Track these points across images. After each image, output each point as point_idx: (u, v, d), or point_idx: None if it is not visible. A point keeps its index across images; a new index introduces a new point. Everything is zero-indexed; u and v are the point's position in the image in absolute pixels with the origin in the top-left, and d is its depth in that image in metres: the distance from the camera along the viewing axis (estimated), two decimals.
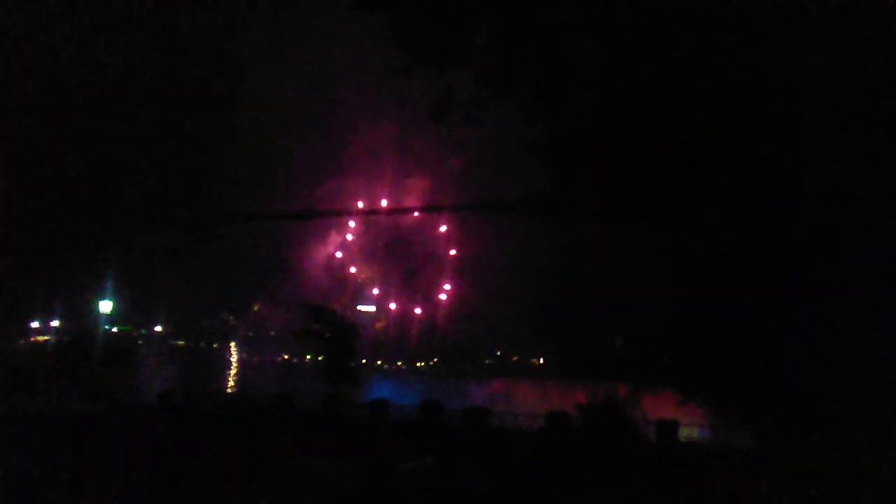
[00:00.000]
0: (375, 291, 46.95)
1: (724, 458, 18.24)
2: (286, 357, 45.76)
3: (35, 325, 44.27)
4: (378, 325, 47.85)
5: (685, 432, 23.56)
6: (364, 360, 41.35)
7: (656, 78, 12.12)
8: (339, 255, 45.72)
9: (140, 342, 45.09)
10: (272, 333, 47.89)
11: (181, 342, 48.60)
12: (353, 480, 16.05)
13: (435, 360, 46.46)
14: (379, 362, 45.02)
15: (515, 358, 44.98)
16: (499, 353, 45.69)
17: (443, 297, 45.07)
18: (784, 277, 11.63)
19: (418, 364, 46.59)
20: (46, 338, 43.48)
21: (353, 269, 46.55)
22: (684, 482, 14.88)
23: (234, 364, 45.56)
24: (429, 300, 45.79)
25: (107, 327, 38.45)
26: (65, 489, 14.51)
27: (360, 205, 40.41)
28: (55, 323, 43.48)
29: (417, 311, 47.06)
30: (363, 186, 39.44)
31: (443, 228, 41.33)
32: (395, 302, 46.89)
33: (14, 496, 13.98)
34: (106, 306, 33.66)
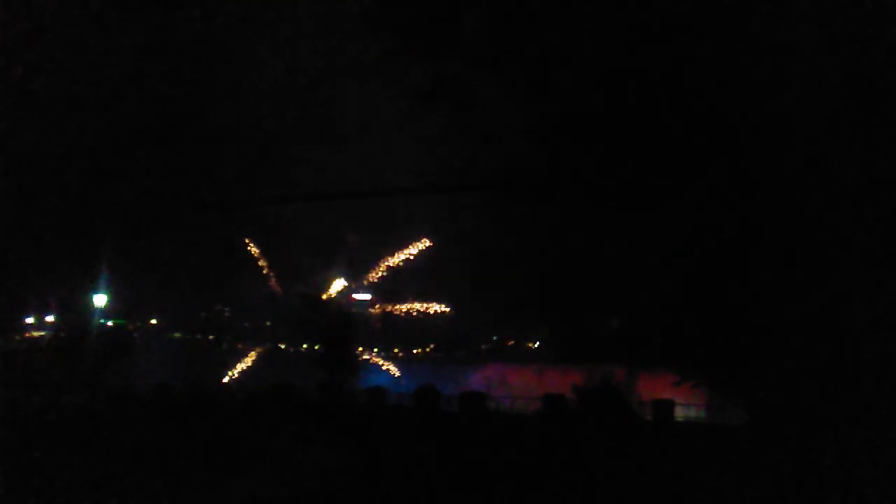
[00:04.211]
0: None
1: (719, 437, 18.36)
2: (282, 346, 45.81)
3: (30, 320, 44.19)
4: (374, 312, 47.90)
5: (681, 412, 23.74)
6: (360, 348, 41.39)
7: (647, 62, 12.09)
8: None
9: (136, 335, 45.05)
10: (268, 323, 47.91)
11: (177, 334, 48.58)
12: (351, 468, 16.11)
13: (431, 346, 46.53)
14: (375, 349, 45.08)
15: (511, 342, 45.04)
16: (495, 338, 45.75)
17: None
18: (782, 256, 11.65)
19: (415, 351, 46.66)
20: (42, 333, 43.40)
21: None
22: (681, 461, 14.97)
23: (231, 355, 45.58)
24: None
25: (102, 321, 38.36)
26: (64, 482, 14.52)
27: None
28: (50, 318, 43.39)
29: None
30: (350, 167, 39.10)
31: None
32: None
33: (14, 490, 13.99)
34: (100, 300, 33.53)
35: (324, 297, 42.08)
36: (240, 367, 44.43)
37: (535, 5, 13.11)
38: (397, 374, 42.69)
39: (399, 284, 46.62)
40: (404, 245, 45.92)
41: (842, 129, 9.48)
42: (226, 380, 42.35)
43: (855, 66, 9.00)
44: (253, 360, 44.69)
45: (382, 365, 43.89)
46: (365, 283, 46.89)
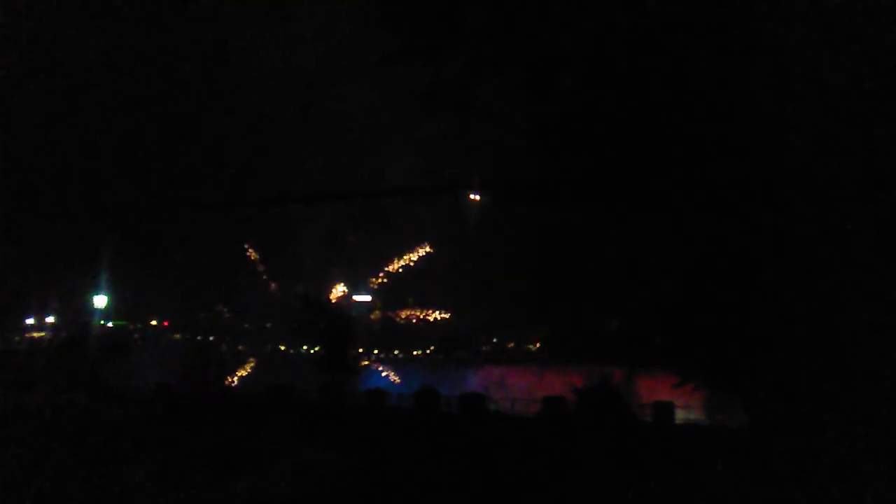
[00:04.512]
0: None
1: (719, 439, 18.35)
2: (282, 348, 45.76)
3: (30, 321, 44.19)
4: (373, 314, 47.89)
5: (681, 415, 23.71)
6: (360, 349, 41.35)
7: (648, 63, 12.10)
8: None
9: (136, 336, 45.05)
10: (268, 325, 47.85)
11: (177, 335, 48.54)
12: (351, 469, 16.10)
13: (431, 347, 46.54)
14: (375, 351, 45.03)
15: (511, 344, 45.01)
16: (494, 340, 45.73)
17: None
18: (779, 257, 11.66)
19: (415, 352, 46.64)
20: (42, 334, 43.40)
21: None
22: (681, 464, 14.96)
23: (231, 356, 45.52)
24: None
25: (102, 322, 38.38)
26: (65, 482, 14.51)
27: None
28: (50, 319, 43.40)
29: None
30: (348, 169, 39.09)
31: None
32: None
33: (14, 490, 13.99)
34: (101, 301, 33.58)
35: (324, 298, 42.02)
36: (241, 373, 44.42)
37: (536, 6, 13.13)
38: (397, 381, 42.62)
39: (399, 290, 46.72)
40: (404, 248, 45.94)
41: (841, 130, 9.49)
42: (225, 381, 42.28)
43: (855, 67, 9.01)
44: (252, 367, 44.71)
45: (382, 372, 43.87)
46: (366, 286, 46.91)
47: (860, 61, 9.51)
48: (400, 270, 46.43)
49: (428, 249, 45.30)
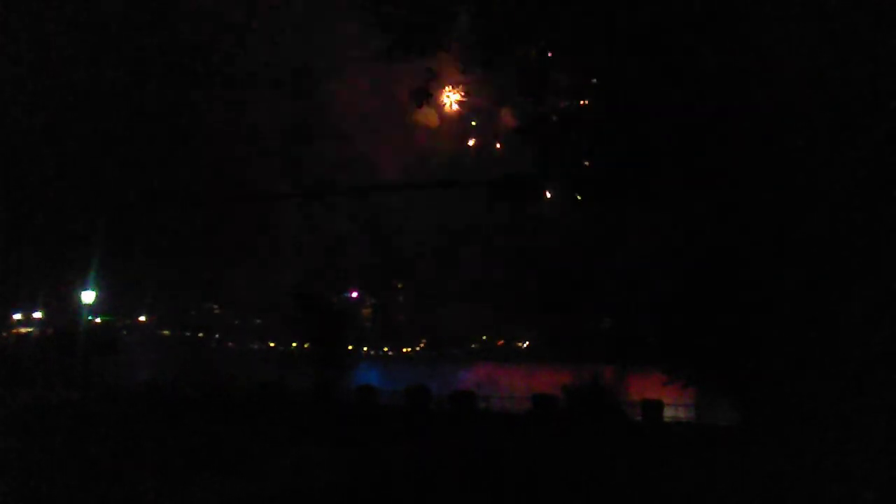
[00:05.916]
0: None
1: (708, 437, 18.51)
2: (273, 345, 45.69)
3: (17, 316, 43.89)
4: (364, 311, 47.93)
5: (670, 412, 23.89)
6: (351, 347, 41.35)
7: (641, 60, 12.15)
8: None
9: (124, 332, 44.83)
10: (258, 321, 47.75)
11: (166, 332, 48.35)
12: (342, 467, 16.11)
13: (422, 345, 46.65)
14: (365, 349, 45.05)
15: (501, 342, 45.19)
16: (485, 338, 45.89)
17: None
18: (769, 256, 11.76)
19: (405, 350, 46.73)
20: (30, 329, 43.11)
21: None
22: (670, 462, 15.07)
23: (221, 353, 45.40)
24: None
25: (90, 318, 38.14)
26: (54, 480, 14.45)
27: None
28: (38, 315, 43.12)
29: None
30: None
31: None
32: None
33: (4, 488, 13.91)
34: (88, 296, 33.28)
35: (316, 294, 41.98)
36: (229, 364, 44.33)
37: (531, 7, 13.16)
38: (387, 372, 42.79)
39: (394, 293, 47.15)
40: (398, 246, 46.03)
41: (840, 128, 9.58)
42: (215, 377, 42.20)
43: (852, 62, 9.10)
44: (242, 358, 44.63)
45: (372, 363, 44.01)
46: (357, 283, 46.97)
47: (860, 61, 9.61)
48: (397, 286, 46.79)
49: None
